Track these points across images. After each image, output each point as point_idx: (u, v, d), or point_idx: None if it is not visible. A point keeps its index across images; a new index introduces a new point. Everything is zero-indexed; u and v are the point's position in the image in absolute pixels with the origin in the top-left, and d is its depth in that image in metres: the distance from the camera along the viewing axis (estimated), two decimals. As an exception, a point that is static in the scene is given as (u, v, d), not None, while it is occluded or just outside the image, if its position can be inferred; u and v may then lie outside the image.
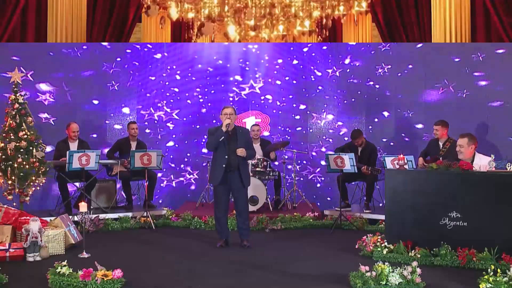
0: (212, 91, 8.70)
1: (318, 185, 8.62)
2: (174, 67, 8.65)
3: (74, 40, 9.02)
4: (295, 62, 8.72)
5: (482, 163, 5.24)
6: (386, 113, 8.42)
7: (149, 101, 8.60)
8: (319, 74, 8.65)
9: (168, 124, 8.64)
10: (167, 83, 8.62)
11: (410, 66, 8.32)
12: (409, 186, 5.19)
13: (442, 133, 6.79)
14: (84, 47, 8.38)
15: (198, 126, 8.69)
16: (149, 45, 8.80)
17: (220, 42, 8.86)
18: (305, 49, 8.76)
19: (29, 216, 5.49)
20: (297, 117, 8.71)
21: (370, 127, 8.48)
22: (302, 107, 8.71)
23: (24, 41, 9.61)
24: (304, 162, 8.71)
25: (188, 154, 8.69)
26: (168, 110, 8.61)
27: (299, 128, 8.73)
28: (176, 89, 8.65)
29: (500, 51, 8.04)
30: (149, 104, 8.59)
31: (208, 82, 8.70)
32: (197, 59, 8.70)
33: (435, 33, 9.09)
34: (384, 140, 8.38)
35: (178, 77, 8.66)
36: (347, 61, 8.58)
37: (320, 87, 8.65)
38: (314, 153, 8.64)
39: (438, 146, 6.77)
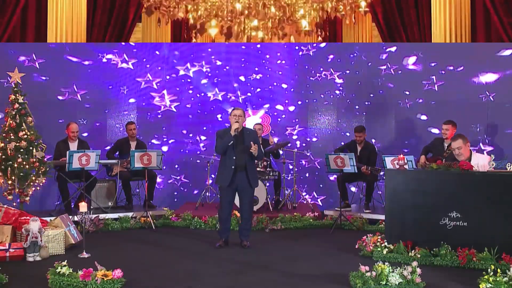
0: (210, 93, 8.69)
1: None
2: (169, 65, 8.66)
3: (74, 40, 9.02)
4: (299, 62, 8.66)
5: (480, 161, 5.25)
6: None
7: (143, 101, 8.59)
8: (326, 75, 8.57)
9: (164, 128, 8.65)
10: (159, 83, 8.62)
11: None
12: (409, 186, 5.20)
13: (452, 133, 6.69)
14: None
15: (191, 135, 8.69)
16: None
17: (220, 42, 8.85)
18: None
19: (29, 216, 5.49)
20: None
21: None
22: (307, 109, 8.65)
23: (24, 41, 9.61)
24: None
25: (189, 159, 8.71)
26: (167, 104, 8.61)
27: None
28: (175, 89, 8.66)
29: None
30: (144, 104, 8.59)
31: (207, 82, 8.70)
32: (196, 59, 8.69)
33: (435, 33, 9.09)
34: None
35: (171, 77, 8.65)
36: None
37: (327, 90, 8.57)
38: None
39: (442, 147, 6.71)
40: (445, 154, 6.46)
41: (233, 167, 5.52)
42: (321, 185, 8.56)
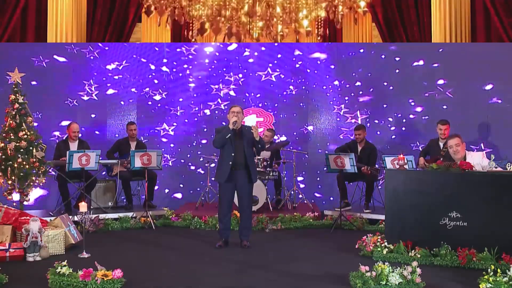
0: (211, 92, 8.69)
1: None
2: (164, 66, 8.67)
3: (74, 40, 9.02)
4: (300, 62, 8.67)
5: (475, 159, 5.27)
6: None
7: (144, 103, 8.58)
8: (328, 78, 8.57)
9: (164, 128, 8.63)
10: (164, 85, 8.62)
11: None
12: (409, 186, 5.19)
13: (449, 132, 6.79)
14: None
15: (194, 135, 8.69)
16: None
17: (219, 42, 8.85)
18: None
19: (29, 216, 5.49)
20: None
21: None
22: (307, 110, 8.65)
23: (24, 41, 9.62)
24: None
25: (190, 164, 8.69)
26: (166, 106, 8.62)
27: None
28: (172, 91, 8.66)
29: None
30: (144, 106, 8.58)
31: (207, 82, 8.69)
32: (196, 59, 8.69)
33: (435, 33, 9.09)
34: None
35: (173, 77, 8.65)
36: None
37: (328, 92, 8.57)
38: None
39: (439, 146, 6.77)
40: (442, 153, 6.49)
41: (230, 163, 5.52)
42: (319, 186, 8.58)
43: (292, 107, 8.67)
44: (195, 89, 8.67)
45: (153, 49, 8.62)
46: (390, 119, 8.35)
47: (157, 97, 8.55)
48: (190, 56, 8.65)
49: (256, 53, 8.69)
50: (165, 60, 8.59)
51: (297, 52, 8.66)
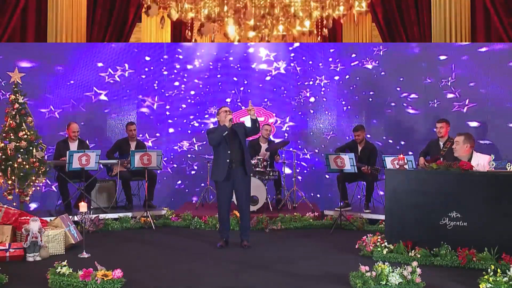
0: (209, 94, 8.68)
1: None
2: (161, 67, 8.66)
3: (74, 40, 9.02)
4: (301, 61, 8.67)
5: (480, 161, 5.25)
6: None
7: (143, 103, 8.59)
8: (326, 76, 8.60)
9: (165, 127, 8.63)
10: (164, 84, 8.62)
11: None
12: (409, 186, 5.19)
13: (446, 130, 6.79)
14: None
15: (189, 131, 8.67)
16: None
17: (219, 42, 8.84)
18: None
19: (29, 216, 5.49)
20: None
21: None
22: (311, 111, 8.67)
23: (24, 41, 9.61)
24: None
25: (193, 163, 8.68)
26: (168, 111, 8.62)
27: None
28: (172, 91, 8.66)
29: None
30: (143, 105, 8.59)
31: (206, 82, 8.68)
32: (196, 59, 8.68)
33: (435, 33, 9.09)
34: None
35: (172, 76, 8.66)
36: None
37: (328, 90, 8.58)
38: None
39: (439, 146, 6.77)
40: (442, 152, 6.49)
41: (228, 160, 5.53)
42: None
43: (295, 108, 8.66)
44: (194, 93, 8.65)
45: (150, 49, 8.68)
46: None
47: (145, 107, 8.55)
48: (181, 57, 8.66)
49: (260, 54, 8.68)
50: (165, 56, 8.60)
51: (303, 52, 8.66)
